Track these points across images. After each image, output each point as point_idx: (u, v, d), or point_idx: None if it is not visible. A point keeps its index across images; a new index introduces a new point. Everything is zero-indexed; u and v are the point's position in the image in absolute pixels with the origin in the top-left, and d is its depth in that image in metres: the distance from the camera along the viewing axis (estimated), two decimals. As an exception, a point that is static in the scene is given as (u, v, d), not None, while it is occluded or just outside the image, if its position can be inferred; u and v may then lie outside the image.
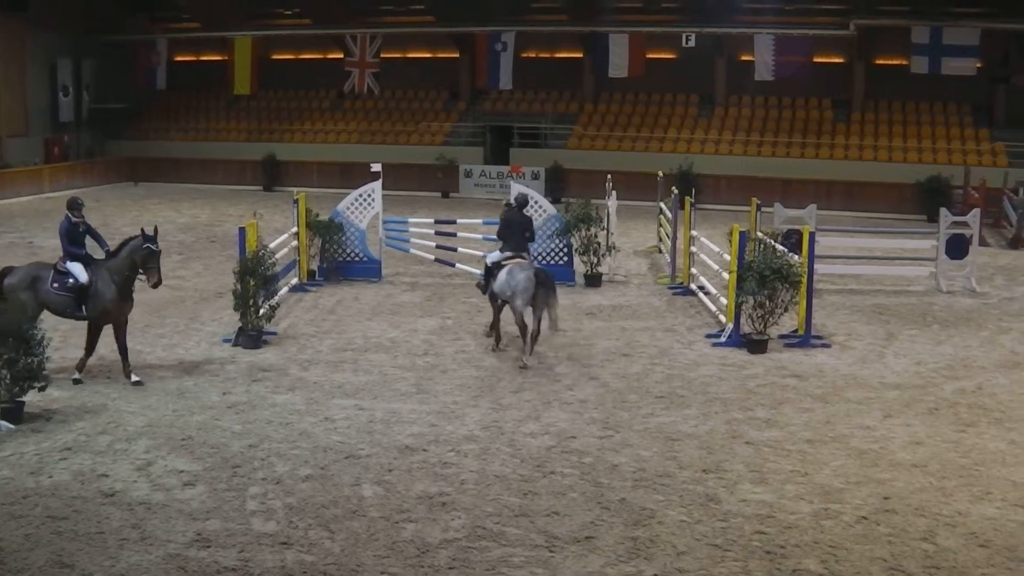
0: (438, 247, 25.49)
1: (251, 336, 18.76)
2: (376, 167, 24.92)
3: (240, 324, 19.03)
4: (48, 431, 14.39)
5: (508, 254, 18.20)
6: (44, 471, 12.92)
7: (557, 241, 24.47)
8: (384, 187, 25.29)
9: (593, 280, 24.55)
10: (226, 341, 19.14)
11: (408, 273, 26.01)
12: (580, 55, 45.64)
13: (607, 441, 14.10)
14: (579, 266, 24.87)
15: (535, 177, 41.65)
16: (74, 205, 16.79)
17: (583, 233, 24.33)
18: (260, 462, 13.25)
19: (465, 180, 43.36)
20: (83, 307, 16.44)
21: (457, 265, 25.19)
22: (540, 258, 24.34)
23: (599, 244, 24.51)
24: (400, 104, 48.62)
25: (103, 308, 16.45)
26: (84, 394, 16.04)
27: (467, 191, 43.06)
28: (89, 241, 16.93)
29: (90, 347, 16.78)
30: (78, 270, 16.41)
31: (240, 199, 41.86)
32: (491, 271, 18.43)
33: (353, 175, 40.53)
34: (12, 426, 14.43)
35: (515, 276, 17.49)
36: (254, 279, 18.86)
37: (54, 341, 17.51)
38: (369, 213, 24.90)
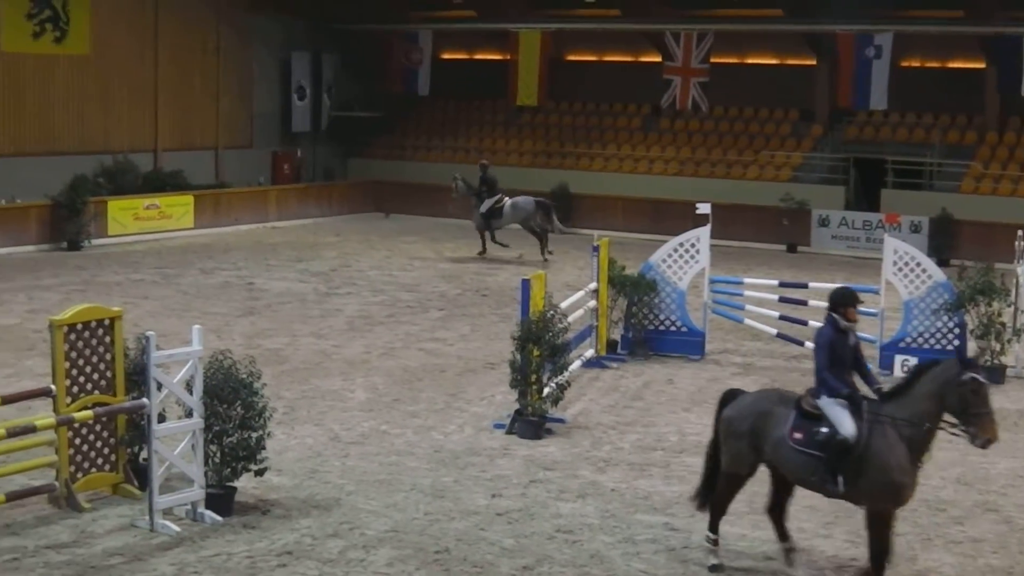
0: (781, 318, 25.22)
1: (531, 423, 18.88)
2: (703, 208, 24.89)
3: (517, 406, 19.22)
4: (264, 528, 14.80)
5: None
6: (257, 580, 13.32)
7: (944, 318, 23.91)
8: (712, 235, 25.21)
9: (995, 374, 23.81)
10: (498, 427, 19.34)
11: (739, 351, 25.90)
12: (981, 65, 44.71)
13: (1012, 600, 13.60)
14: (975, 353, 24.16)
15: (915, 230, 40.83)
16: (845, 299, 13.63)
17: (982, 309, 23.75)
18: (537, 590, 13.27)
19: (819, 230, 42.88)
20: (839, 478, 13.13)
21: (807, 344, 24.86)
22: (921, 339, 23.89)
23: (1003, 325, 23.91)
24: (735, 126, 48.63)
25: (883, 485, 12.95)
26: (312, 483, 16.45)
27: (821, 244, 42.57)
28: None
29: (778, 522, 14.15)
30: (840, 415, 13.10)
31: (521, 241, 42.48)
32: None
33: (670, 217, 40.73)
34: (219, 518, 14.90)
35: None
36: (539, 348, 18.98)
37: (278, 412, 18.01)
38: (692, 269, 24.86)
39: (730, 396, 14.12)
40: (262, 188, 47.36)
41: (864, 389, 13.33)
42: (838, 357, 13.26)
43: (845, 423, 12.92)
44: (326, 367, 23.30)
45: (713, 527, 14.11)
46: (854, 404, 13.03)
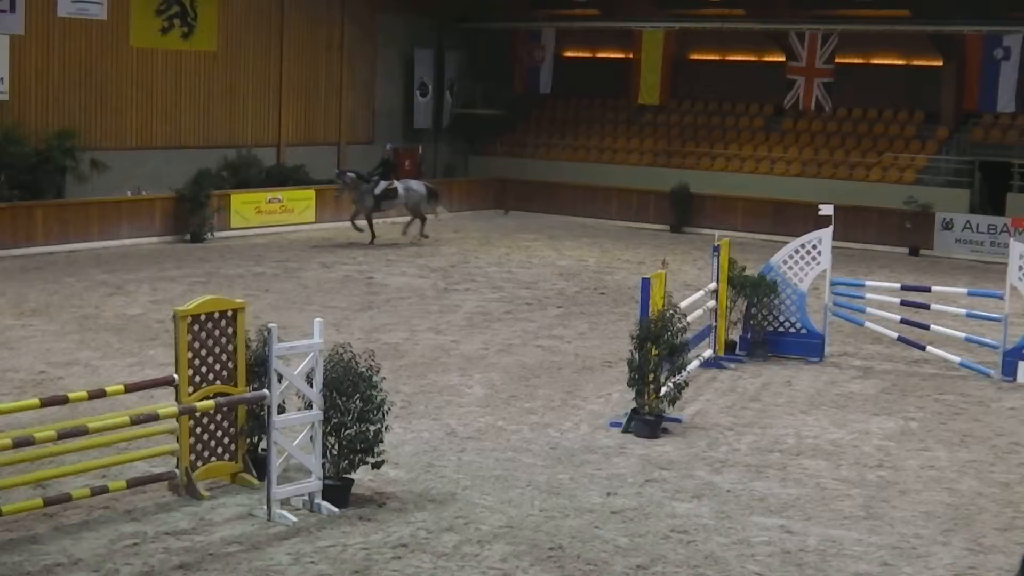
0: (903, 322, 25.02)
1: (648, 422, 18.84)
2: (826, 210, 24.74)
3: (634, 405, 19.18)
4: (380, 520, 14.88)
5: None
6: (371, 571, 13.36)
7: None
8: (834, 237, 25.05)
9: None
10: (614, 425, 19.30)
11: (860, 354, 25.65)
12: (1116, 68, 44.05)
13: None
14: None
15: (1041, 235, 40.36)
16: None
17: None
18: (651, 590, 13.24)
19: (943, 233, 42.43)
20: None
21: (928, 348, 24.66)
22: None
23: None
24: (858, 127, 48.23)
25: None
26: (428, 477, 16.54)
27: (945, 248, 42.12)
28: None
29: None
30: None
31: (639, 240, 42.47)
32: None
33: (791, 218, 40.67)
34: (335, 509, 15.01)
35: None
36: (657, 347, 18.97)
37: (396, 406, 18.11)
38: (813, 271, 24.72)
39: None
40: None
41: None
42: None
43: None
44: (444, 362, 23.42)
45: None
46: None
